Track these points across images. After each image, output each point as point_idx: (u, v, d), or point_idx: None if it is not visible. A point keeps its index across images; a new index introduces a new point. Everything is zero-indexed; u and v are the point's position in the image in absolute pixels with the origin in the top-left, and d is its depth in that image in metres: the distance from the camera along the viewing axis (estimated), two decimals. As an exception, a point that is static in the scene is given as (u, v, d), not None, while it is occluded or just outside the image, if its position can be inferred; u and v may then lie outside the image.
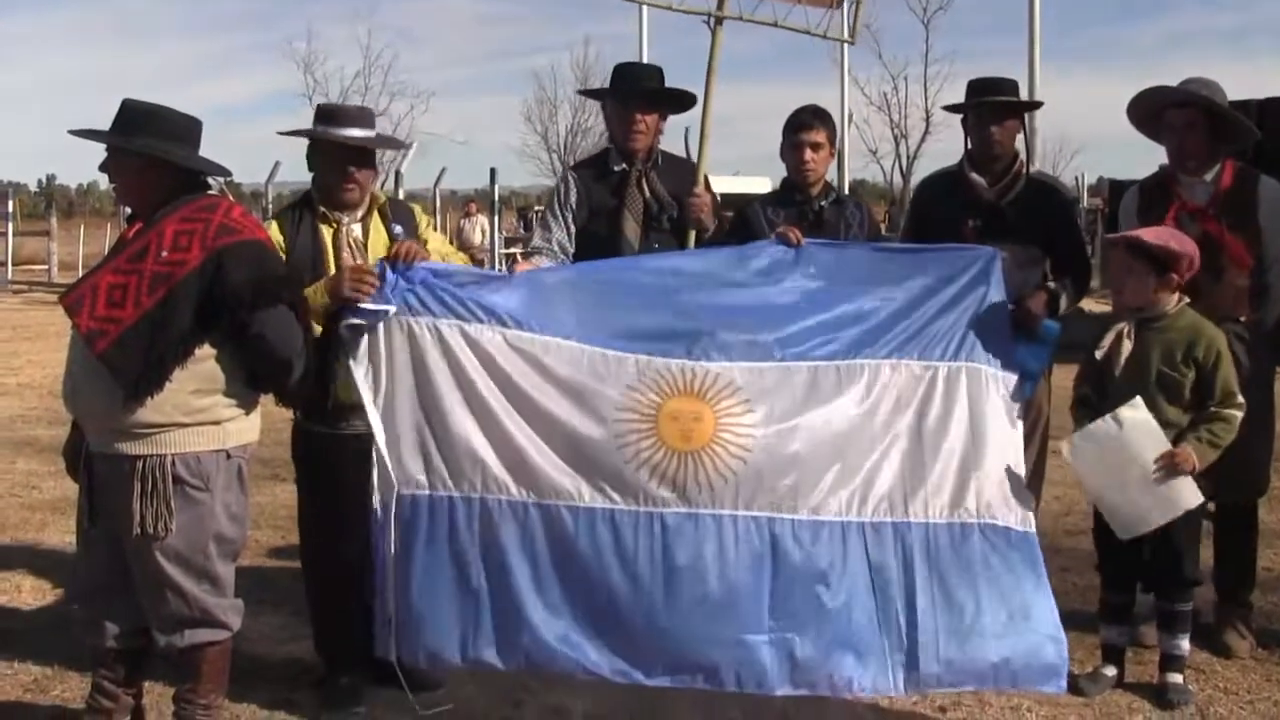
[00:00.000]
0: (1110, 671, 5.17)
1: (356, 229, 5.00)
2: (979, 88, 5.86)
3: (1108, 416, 4.95)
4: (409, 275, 4.62)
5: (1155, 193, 5.69)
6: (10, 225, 37.17)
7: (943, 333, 4.96)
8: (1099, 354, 5.12)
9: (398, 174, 29.14)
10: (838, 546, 4.62)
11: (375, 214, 5.06)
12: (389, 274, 4.57)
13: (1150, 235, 5.06)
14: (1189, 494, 4.93)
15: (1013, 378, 4.97)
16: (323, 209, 5.00)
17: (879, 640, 4.54)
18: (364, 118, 5.13)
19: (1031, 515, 4.86)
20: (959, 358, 4.94)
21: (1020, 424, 4.95)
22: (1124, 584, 5.24)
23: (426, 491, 4.54)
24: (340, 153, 4.96)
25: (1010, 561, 4.70)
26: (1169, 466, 4.86)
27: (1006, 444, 4.89)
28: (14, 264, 35.31)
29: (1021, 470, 4.87)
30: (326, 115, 5.04)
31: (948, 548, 4.67)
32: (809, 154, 5.63)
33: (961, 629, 4.57)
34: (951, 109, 6.08)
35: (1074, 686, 5.02)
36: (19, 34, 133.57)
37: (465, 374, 4.60)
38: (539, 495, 4.55)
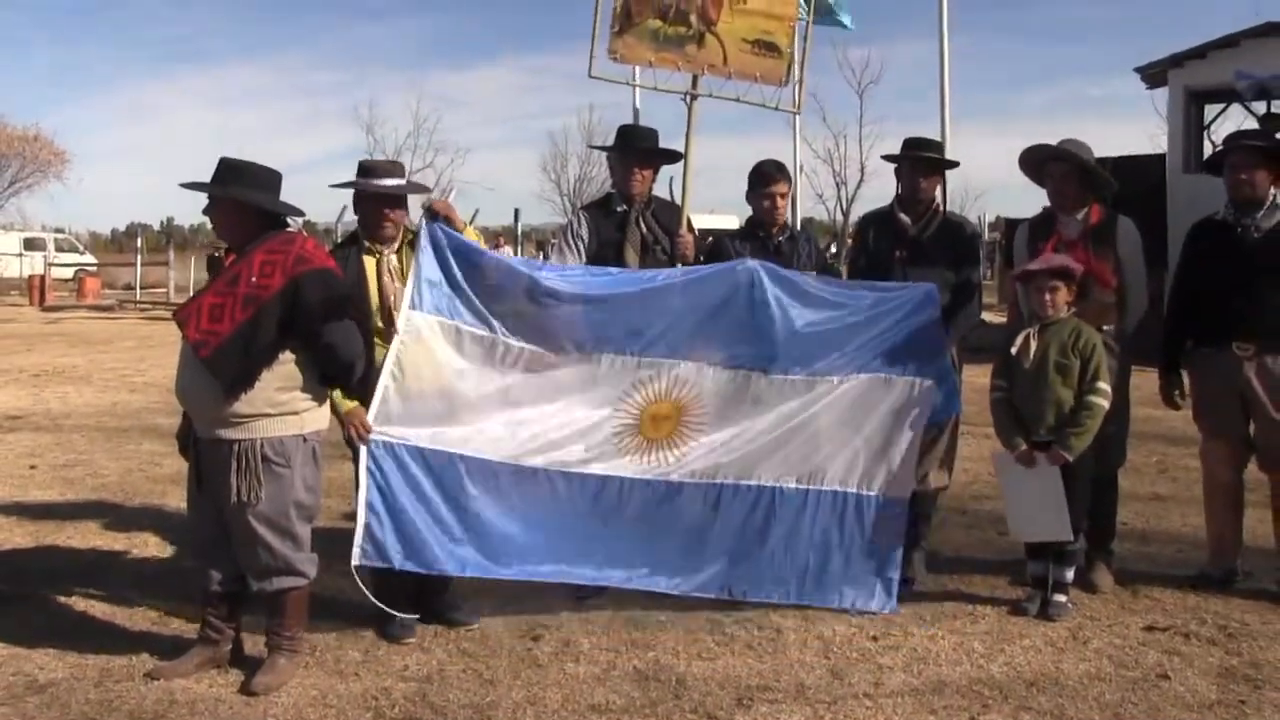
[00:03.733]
0: (1039, 594, 5.23)
1: (394, 259, 4.96)
2: (913, 144, 5.89)
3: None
4: (441, 230, 4.80)
5: (1040, 228, 5.69)
6: (139, 258, 37.23)
7: (887, 351, 5.21)
8: (1013, 350, 5.20)
9: (441, 214, 29.00)
10: (764, 504, 5.14)
11: (408, 245, 4.99)
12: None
13: (1064, 261, 5.21)
14: (1062, 529, 5.10)
15: (928, 385, 5.23)
16: (366, 243, 4.97)
17: (789, 568, 5.14)
18: (395, 170, 5.09)
19: (909, 489, 5.31)
20: (887, 370, 5.23)
21: (922, 421, 5.27)
22: None
23: (411, 443, 4.75)
24: (377, 199, 4.93)
25: (880, 521, 5.22)
26: (1050, 461, 5.07)
27: (905, 437, 5.25)
28: (141, 288, 35.30)
29: (913, 458, 5.27)
30: (365, 170, 4.98)
31: (841, 506, 5.20)
32: (773, 201, 5.65)
33: (838, 565, 5.18)
34: (889, 158, 6.06)
35: (1016, 608, 5.22)
36: (144, 102, 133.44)
37: (494, 372, 4.86)
38: (537, 460, 4.91)
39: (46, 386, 13.54)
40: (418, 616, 4.93)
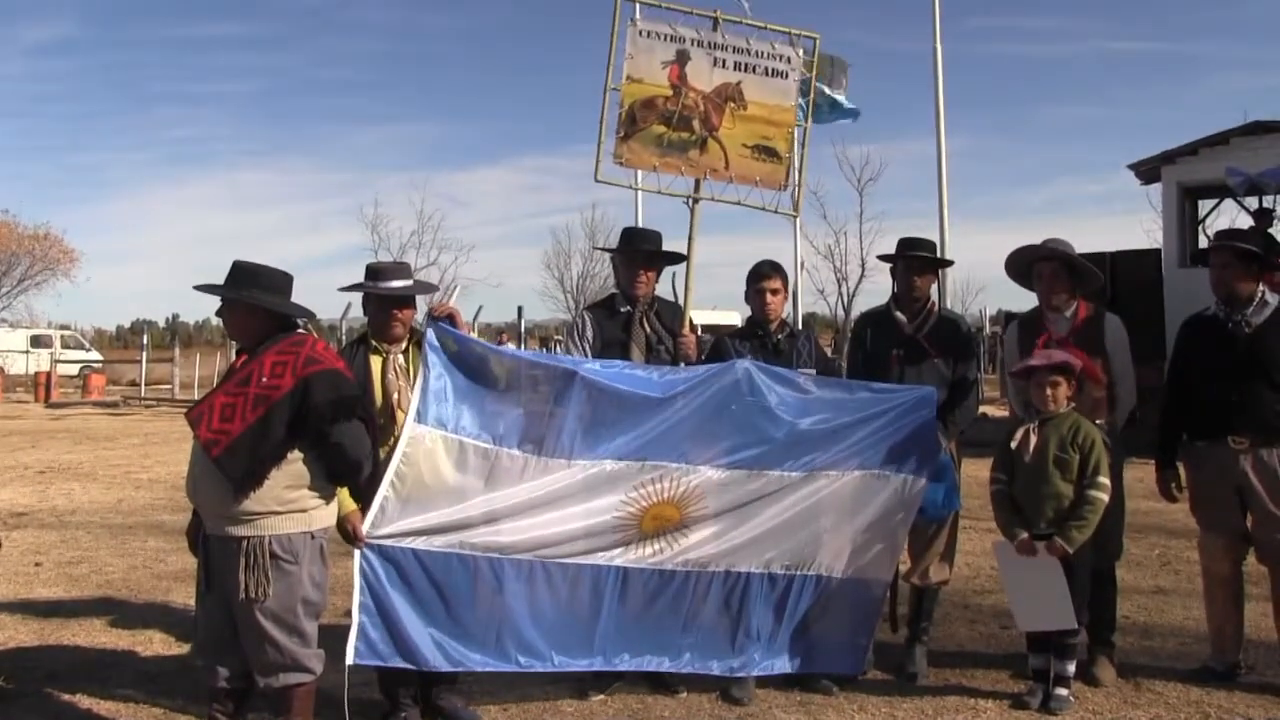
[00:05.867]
0: (1040, 688, 5.23)
1: (401, 358, 5.05)
2: (907, 244, 6.02)
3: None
4: (447, 330, 4.85)
5: (1029, 326, 5.81)
6: (144, 354, 37.47)
7: (884, 449, 5.35)
8: (1013, 444, 5.28)
9: (447, 311, 29.12)
10: (754, 589, 5.27)
11: (414, 345, 5.07)
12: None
13: (1064, 357, 5.31)
14: (1066, 617, 5.13)
15: (921, 482, 5.41)
16: (374, 343, 5.06)
17: (762, 642, 5.30)
18: (402, 271, 5.20)
19: (892, 569, 5.61)
20: (883, 467, 5.37)
21: (912, 516, 5.44)
22: None
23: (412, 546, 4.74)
24: (385, 300, 5.04)
25: (856, 604, 5.45)
26: (1050, 553, 5.10)
27: (895, 530, 5.44)
28: (146, 384, 35.47)
29: (900, 544, 5.52)
30: (373, 272, 5.09)
31: (825, 588, 5.38)
32: (769, 298, 5.79)
33: (818, 637, 5.39)
34: (884, 258, 6.22)
35: (1018, 702, 5.21)
36: (153, 202, 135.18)
37: (497, 482, 4.86)
38: (535, 555, 4.92)
39: (52, 483, 13.60)
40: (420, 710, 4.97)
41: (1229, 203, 18.66)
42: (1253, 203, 17.67)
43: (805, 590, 5.35)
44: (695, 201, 6.04)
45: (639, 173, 6.45)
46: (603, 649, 5.07)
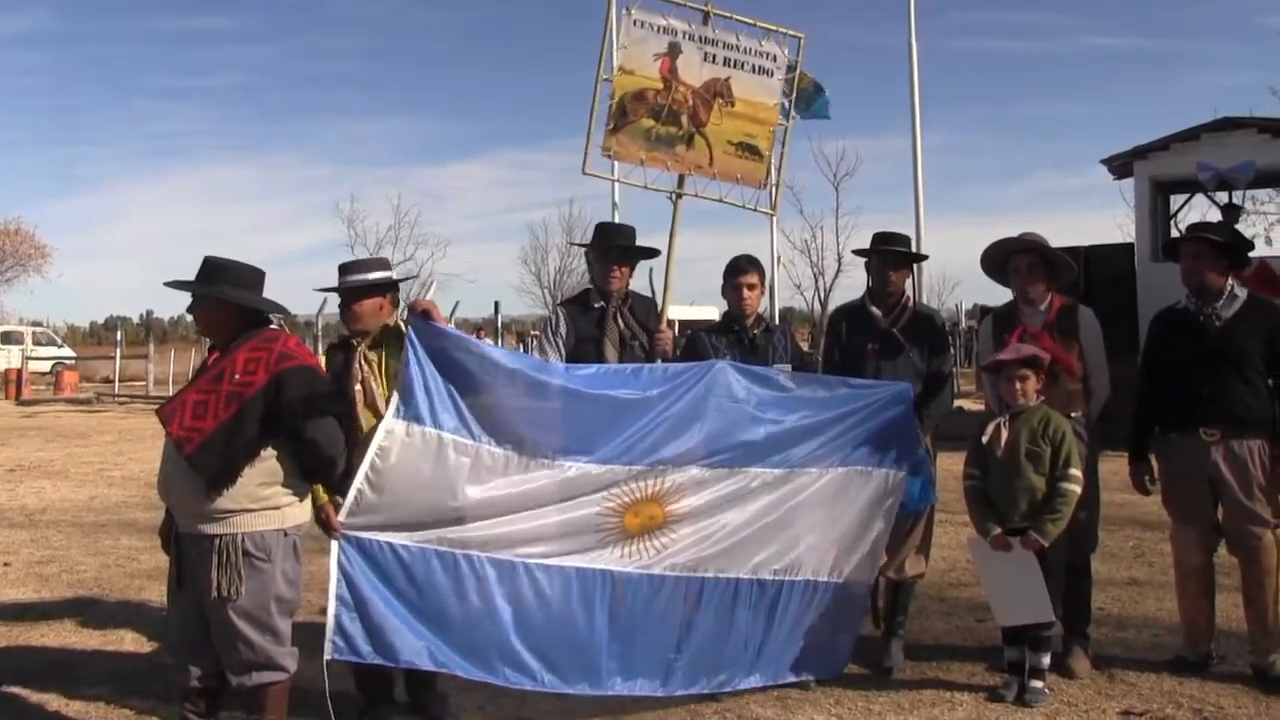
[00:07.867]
0: (1016, 680, 5.25)
1: (371, 352, 4.91)
2: (881, 239, 6.03)
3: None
4: (425, 325, 4.69)
5: (1004, 319, 5.83)
6: (118, 350, 37.17)
7: (864, 444, 5.37)
8: (984, 439, 5.32)
9: (423, 307, 29.02)
10: (743, 597, 5.19)
11: (390, 339, 4.92)
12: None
13: (1033, 350, 5.36)
14: (1043, 610, 5.15)
15: (902, 475, 5.42)
16: (347, 337, 5.01)
17: (750, 653, 5.22)
18: (366, 266, 5.08)
19: (874, 573, 5.57)
20: (865, 463, 5.38)
21: (894, 511, 5.45)
22: None
23: (402, 542, 4.63)
24: (343, 294, 4.96)
25: (841, 604, 5.40)
26: (1025, 547, 5.14)
27: (879, 527, 5.43)
28: (120, 380, 35.17)
29: (881, 545, 5.48)
30: (340, 268, 5.01)
31: (812, 594, 5.33)
32: (746, 293, 5.77)
33: (803, 643, 5.32)
34: (859, 253, 6.23)
35: (993, 695, 5.24)
36: (131, 197, 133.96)
37: (479, 477, 4.74)
38: (516, 555, 4.79)
39: (22, 481, 13.46)
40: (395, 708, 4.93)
41: (1200, 198, 18.80)
42: (1222, 198, 17.80)
43: (794, 596, 5.28)
44: (678, 197, 6.02)
45: (616, 165, 6.40)
46: (595, 671, 4.92)
